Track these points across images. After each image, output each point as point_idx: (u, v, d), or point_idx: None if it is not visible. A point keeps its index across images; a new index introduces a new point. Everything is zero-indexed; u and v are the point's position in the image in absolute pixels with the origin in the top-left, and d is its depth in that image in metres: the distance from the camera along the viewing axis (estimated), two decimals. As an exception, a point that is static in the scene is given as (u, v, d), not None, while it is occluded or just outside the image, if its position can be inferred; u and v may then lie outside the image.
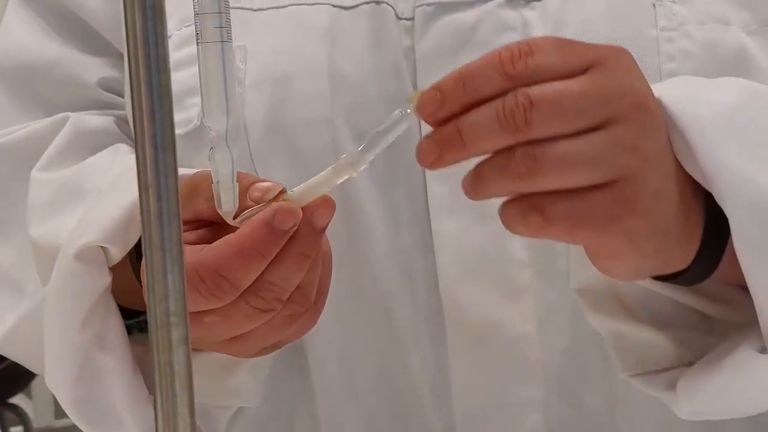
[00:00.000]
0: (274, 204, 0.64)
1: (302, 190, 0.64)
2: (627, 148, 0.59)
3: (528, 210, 0.59)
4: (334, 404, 0.81)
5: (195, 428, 0.44)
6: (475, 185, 0.60)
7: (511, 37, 0.75)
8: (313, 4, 0.79)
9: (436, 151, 0.59)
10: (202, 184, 0.67)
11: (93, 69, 0.88)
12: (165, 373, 0.44)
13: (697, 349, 0.70)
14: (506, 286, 0.76)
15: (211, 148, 0.64)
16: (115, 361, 0.75)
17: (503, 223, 0.61)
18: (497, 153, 0.59)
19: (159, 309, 0.43)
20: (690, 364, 0.70)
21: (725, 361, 0.66)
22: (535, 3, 0.77)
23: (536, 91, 0.58)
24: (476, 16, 0.76)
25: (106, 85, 0.89)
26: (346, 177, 0.63)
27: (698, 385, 0.68)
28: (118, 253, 0.72)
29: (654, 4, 0.76)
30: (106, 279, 0.73)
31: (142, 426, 0.76)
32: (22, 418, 3.29)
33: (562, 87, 0.58)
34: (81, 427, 0.78)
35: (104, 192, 0.77)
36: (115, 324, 0.75)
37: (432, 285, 0.78)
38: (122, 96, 0.88)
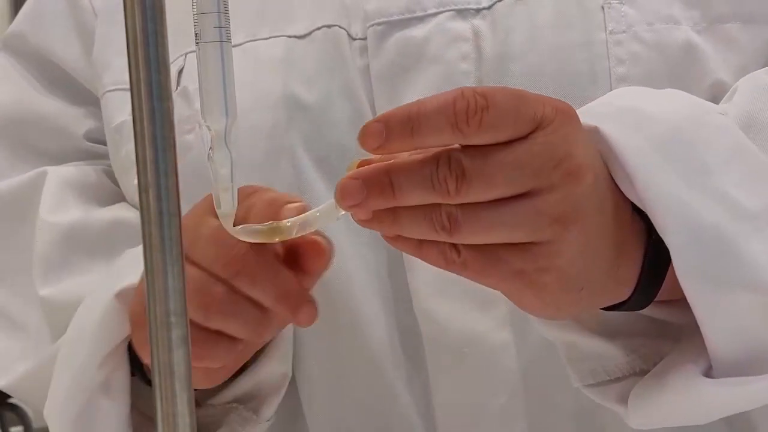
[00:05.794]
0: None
1: (308, 219, 0.64)
2: (548, 217, 0.59)
3: (446, 248, 0.60)
4: None
5: (195, 428, 0.44)
6: (387, 222, 0.60)
7: (463, 48, 0.75)
8: (267, 38, 0.80)
9: (362, 194, 0.59)
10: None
11: (79, 121, 0.90)
12: (165, 374, 0.44)
13: (648, 356, 0.70)
14: (479, 296, 0.76)
15: (210, 148, 0.64)
16: (115, 409, 0.76)
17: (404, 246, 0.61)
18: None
19: (159, 309, 0.43)
20: (642, 371, 0.70)
21: (671, 379, 0.66)
22: (485, 12, 0.76)
23: (471, 164, 0.58)
24: (427, 30, 0.76)
25: (92, 137, 0.90)
26: None
27: (646, 400, 0.68)
28: None
29: (603, 7, 0.76)
30: (128, 326, 0.74)
31: None
32: (22, 418, 3.29)
33: (498, 160, 0.58)
34: None
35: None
36: (123, 373, 0.76)
37: (406, 304, 0.77)
38: (105, 144, 0.89)
